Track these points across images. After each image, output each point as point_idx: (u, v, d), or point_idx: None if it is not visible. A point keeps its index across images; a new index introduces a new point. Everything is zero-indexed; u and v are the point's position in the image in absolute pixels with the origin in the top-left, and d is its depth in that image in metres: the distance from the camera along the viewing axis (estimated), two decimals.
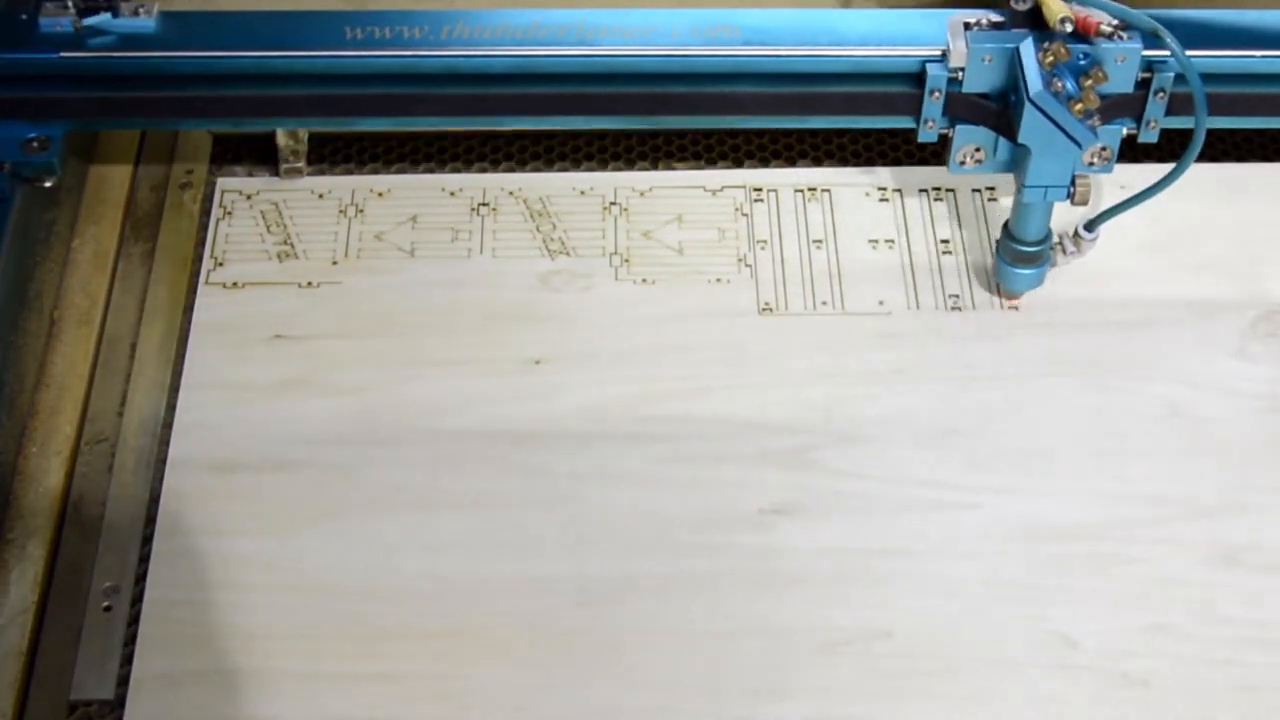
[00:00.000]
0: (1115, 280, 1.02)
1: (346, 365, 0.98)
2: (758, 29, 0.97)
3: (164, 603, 0.87)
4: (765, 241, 1.04)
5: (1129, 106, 0.93)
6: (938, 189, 1.07)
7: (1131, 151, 0.99)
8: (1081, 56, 0.91)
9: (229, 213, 1.06)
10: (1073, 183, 0.94)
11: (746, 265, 1.03)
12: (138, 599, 0.88)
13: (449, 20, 0.98)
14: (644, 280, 1.02)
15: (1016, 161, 0.95)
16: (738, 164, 1.10)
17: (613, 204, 1.06)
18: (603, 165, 1.09)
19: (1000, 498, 0.92)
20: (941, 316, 1.00)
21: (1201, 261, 1.03)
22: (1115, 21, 0.90)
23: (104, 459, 0.94)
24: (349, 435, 0.94)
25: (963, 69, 0.93)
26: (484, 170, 1.09)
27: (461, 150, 1.10)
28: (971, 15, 0.94)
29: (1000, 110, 0.94)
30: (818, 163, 1.09)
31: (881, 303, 1.01)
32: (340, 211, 1.06)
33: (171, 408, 0.96)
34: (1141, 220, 1.05)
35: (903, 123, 0.97)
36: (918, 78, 0.95)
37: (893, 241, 1.04)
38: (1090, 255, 1.02)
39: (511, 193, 1.07)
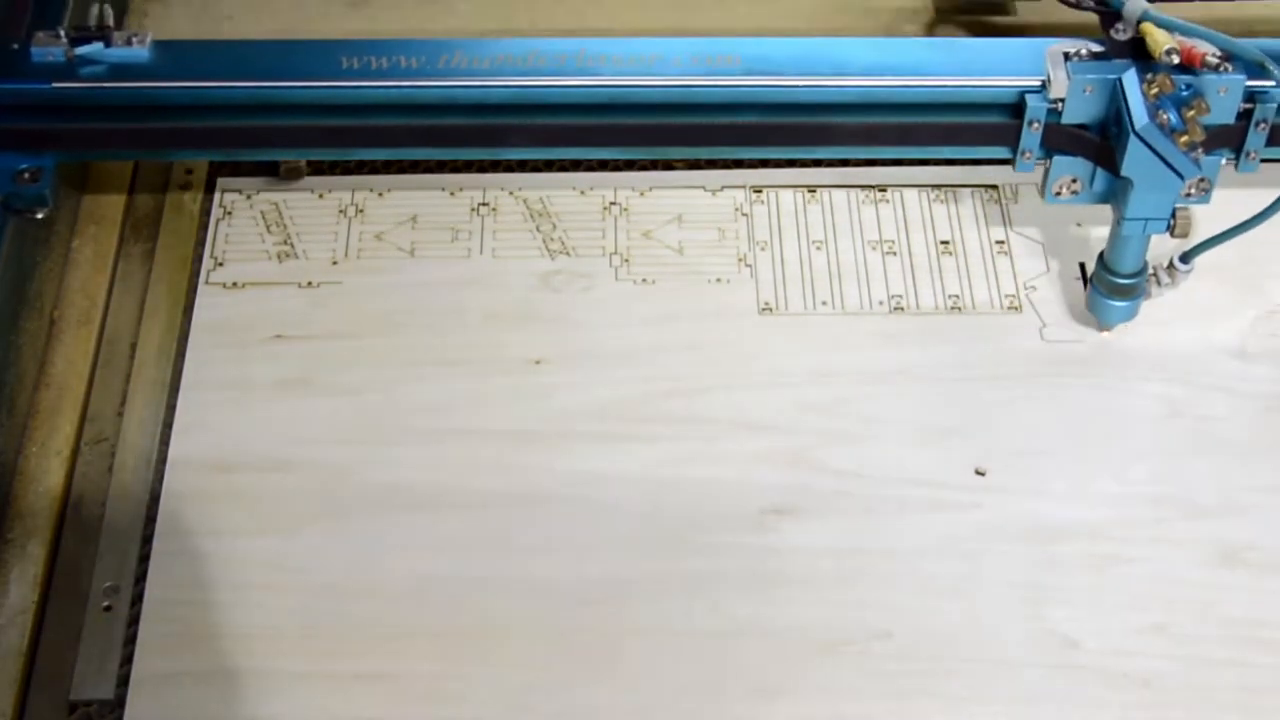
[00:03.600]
0: None
1: (346, 365, 0.98)
2: (762, 59, 0.96)
3: (164, 603, 0.87)
4: (765, 241, 1.04)
5: (1229, 137, 0.92)
6: (938, 189, 1.07)
7: None
8: (1184, 88, 0.89)
9: (229, 213, 1.06)
10: (1173, 215, 0.92)
11: (746, 265, 1.03)
12: (138, 599, 0.88)
13: (447, 50, 0.97)
14: (644, 280, 1.02)
15: (1115, 193, 0.94)
16: (738, 164, 1.09)
17: (613, 204, 1.06)
18: (603, 165, 1.09)
19: (1000, 498, 0.92)
20: (941, 316, 1.00)
21: (1201, 261, 1.03)
22: (1220, 53, 0.88)
23: (104, 459, 0.94)
24: (349, 435, 0.94)
25: (1063, 100, 0.92)
26: (484, 170, 1.09)
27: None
28: (1071, 45, 0.92)
29: (1099, 141, 0.92)
30: (818, 163, 1.09)
31: (881, 302, 1.01)
32: (340, 211, 1.06)
33: (171, 408, 0.96)
34: None
35: (999, 153, 0.96)
36: (1015, 108, 0.94)
37: (893, 241, 1.04)
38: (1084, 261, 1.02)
39: (511, 193, 1.07)
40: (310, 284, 1.02)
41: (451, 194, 1.07)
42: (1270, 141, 0.92)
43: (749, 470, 0.93)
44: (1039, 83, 0.93)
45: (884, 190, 1.07)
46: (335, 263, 1.03)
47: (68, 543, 0.91)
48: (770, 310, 1.01)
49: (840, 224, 1.05)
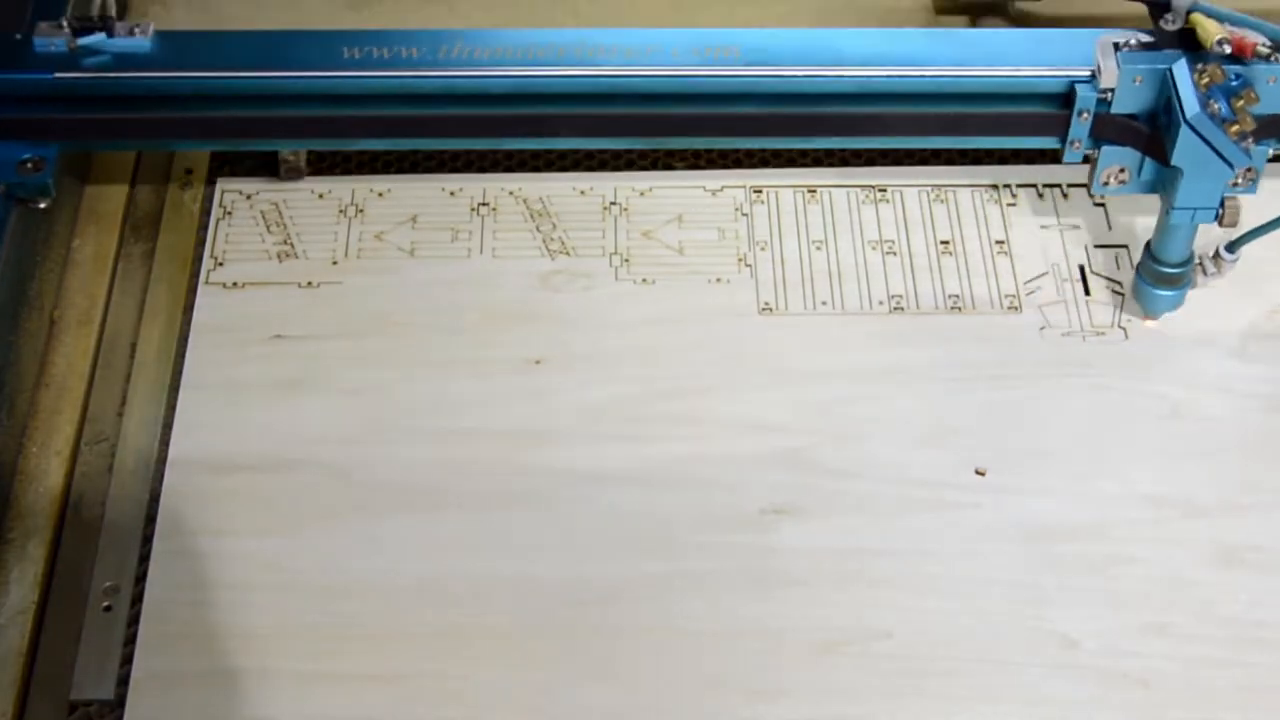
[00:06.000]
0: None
1: (346, 365, 0.98)
2: (778, 50, 0.96)
3: (164, 603, 0.87)
4: (765, 241, 1.04)
5: (1278, 127, 0.92)
6: (938, 189, 1.07)
7: None
8: (1233, 78, 0.90)
9: (229, 213, 1.06)
10: (1221, 204, 0.93)
11: (746, 265, 1.03)
12: (138, 599, 0.88)
13: (447, 40, 0.97)
14: (644, 280, 1.02)
15: (1163, 183, 0.94)
16: (738, 164, 1.09)
17: (613, 204, 1.06)
18: (603, 165, 1.09)
19: (1000, 498, 0.92)
20: (941, 316, 1.00)
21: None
22: (1270, 43, 0.89)
23: (104, 459, 0.94)
24: (349, 435, 0.94)
25: (1112, 90, 0.92)
26: (484, 170, 1.09)
27: (462, 151, 1.10)
28: (1120, 35, 0.93)
29: (1149, 131, 0.93)
30: (818, 163, 1.09)
31: (881, 302, 1.01)
32: (340, 211, 1.06)
33: (171, 408, 0.96)
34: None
35: (1047, 143, 0.97)
36: (1065, 98, 0.94)
37: (893, 241, 1.04)
38: (1085, 256, 1.02)
39: (511, 193, 1.07)
40: (310, 284, 1.02)
41: (451, 194, 1.07)
42: None
43: (749, 470, 0.93)
44: (1089, 73, 0.93)
45: (884, 190, 1.07)
46: (335, 263, 1.03)
47: (68, 543, 0.91)
48: (770, 310, 1.01)
49: (840, 224, 1.05)
